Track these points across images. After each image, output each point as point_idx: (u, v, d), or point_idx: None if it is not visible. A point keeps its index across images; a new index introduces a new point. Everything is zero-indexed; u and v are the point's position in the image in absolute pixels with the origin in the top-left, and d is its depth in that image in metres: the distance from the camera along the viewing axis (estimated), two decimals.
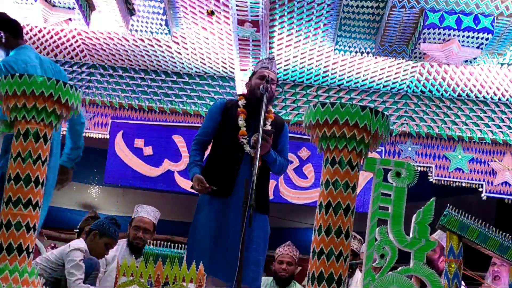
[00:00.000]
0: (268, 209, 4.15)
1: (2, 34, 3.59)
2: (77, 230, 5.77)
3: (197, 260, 3.03)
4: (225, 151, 4.07)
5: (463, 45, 5.86)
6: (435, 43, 5.90)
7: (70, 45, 7.51)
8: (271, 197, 7.16)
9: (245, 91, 4.38)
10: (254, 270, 3.95)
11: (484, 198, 7.63)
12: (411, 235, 2.68)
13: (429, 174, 7.64)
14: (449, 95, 7.59)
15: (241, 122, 4.08)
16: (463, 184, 7.66)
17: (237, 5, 5.68)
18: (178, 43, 7.25)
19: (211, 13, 6.53)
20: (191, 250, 3.87)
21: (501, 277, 4.36)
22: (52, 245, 7.09)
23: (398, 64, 7.16)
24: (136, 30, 6.83)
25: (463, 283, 3.59)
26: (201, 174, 4.02)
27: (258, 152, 3.65)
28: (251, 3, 5.63)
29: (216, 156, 4.12)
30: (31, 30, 7.36)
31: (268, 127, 4.07)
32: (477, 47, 5.89)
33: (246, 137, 4.03)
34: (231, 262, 3.69)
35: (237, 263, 3.38)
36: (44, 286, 3.96)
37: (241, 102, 4.20)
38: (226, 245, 3.89)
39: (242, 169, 4.00)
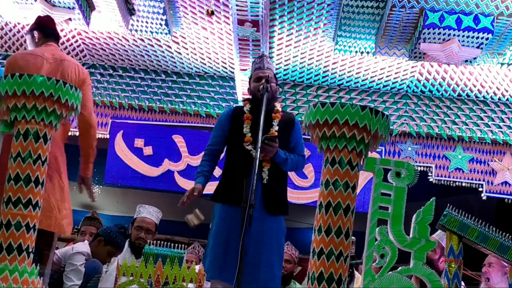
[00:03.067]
0: (282, 211, 4.10)
1: None
2: (76, 231, 5.79)
3: (210, 266, 3.03)
4: (234, 159, 4.06)
5: (463, 45, 5.86)
6: (435, 43, 5.89)
7: (70, 45, 7.51)
8: None
9: (246, 92, 4.37)
10: (267, 272, 3.94)
11: (484, 198, 7.62)
12: (411, 235, 2.67)
13: (429, 174, 7.64)
14: (449, 95, 7.59)
15: (246, 129, 4.06)
16: (463, 184, 7.66)
17: (237, 5, 5.68)
18: (178, 43, 7.25)
19: (211, 13, 6.53)
20: (205, 257, 3.91)
21: (490, 278, 4.36)
22: None
23: (398, 64, 7.16)
24: (136, 30, 6.83)
25: (463, 283, 3.59)
26: (205, 184, 4.04)
27: (258, 155, 3.63)
28: (251, 3, 5.62)
29: (227, 165, 4.12)
30: None
31: (276, 127, 4.04)
32: (477, 47, 5.89)
33: (250, 143, 4.01)
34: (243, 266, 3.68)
35: (249, 267, 3.38)
36: (45, 287, 3.95)
37: (246, 107, 4.17)
38: (236, 249, 3.84)
39: (251, 175, 3.94)
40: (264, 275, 3.91)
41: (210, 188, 4.13)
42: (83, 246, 4.74)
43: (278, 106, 4.21)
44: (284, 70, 7.45)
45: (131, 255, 5.05)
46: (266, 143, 3.79)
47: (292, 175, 7.56)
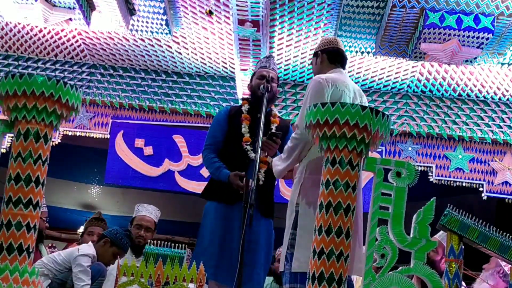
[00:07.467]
0: (272, 213, 4.13)
1: None
2: (81, 231, 5.79)
3: (205, 266, 3.03)
4: (231, 159, 4.04)
5: (463, 45, 5.86)
6: (435, 43, 5.89)
7: (70, 45, 7.51)
8: None
9: (246, 91, 4.37)
10: (258, 273, 3.95)
11: (485, 198, 7.62)
12: (411, 235, 2.68)
13: (430, 174, 7.64)
14: (450, 94, 7.59)
15: (244, 129, 4.06)
16: (464, 184, 7.65)
17: (237, 5, 5.68)
18: (178, 43, 7.25)
19: (209, 13, 6.53)
20: (198, 257, 3.88)
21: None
22: (50, 244, 7.08)
23: (398, 63, 7.16)
24: (137, 30, 6.83)
25: (463, 283, 3.59)
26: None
27: (259, 154, 3.62)
28: (251, 3, 5.62)
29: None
30: (31, 30, 7.36)
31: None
32: (478, 47, 5.89)
33: (249, 143, 4.00)
34: (236, 266, 3.68)
35: (244, 268, 3.37)
36: (48, 287, 3.95)
37: (244, 107, 4.16)
38: (232, 250, 3.86)
39: (248, 175, 3.93)
40: (257, 275, 3.93)
41: (199, 188, 4.12)
42: (88, 248, 4.74)
43: (275, 110, 4.24)
44: (284, 70, 7.45)
45: (131, 254, 5.05)
46: (273, 139, 3.79)
47: None
